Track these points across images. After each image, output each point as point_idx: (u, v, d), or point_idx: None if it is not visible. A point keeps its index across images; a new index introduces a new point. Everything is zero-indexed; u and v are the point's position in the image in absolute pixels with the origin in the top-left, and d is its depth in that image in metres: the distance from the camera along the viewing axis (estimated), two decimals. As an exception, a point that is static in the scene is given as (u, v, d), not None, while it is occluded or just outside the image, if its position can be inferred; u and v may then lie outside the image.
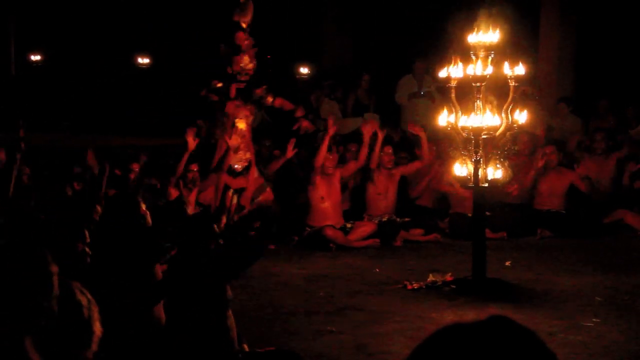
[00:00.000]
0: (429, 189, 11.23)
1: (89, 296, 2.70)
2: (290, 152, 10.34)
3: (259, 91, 9.73)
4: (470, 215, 10.14)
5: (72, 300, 2.67)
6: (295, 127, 9.96)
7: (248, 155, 9.72)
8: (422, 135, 10.68)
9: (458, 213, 10.68)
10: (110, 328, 2.80)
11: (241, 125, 9.64)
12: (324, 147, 10.27)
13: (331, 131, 10.25)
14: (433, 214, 11.02)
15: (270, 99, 9.89)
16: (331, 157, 10.47)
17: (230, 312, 5.20)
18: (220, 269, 5.07)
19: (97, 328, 2.66)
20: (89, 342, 2.65)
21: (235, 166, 9.49)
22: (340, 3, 16.51)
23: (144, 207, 5.18)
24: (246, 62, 9.62)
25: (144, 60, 18.80)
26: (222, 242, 5.34)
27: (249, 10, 9.50)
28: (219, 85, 9.69)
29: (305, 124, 9.93)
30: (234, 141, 9.60)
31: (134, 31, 18.27)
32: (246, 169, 9.65)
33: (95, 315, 2.67)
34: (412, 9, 16.71)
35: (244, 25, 9.46)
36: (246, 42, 9.57)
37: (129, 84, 17.77)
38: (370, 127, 10.67)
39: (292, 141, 10.29)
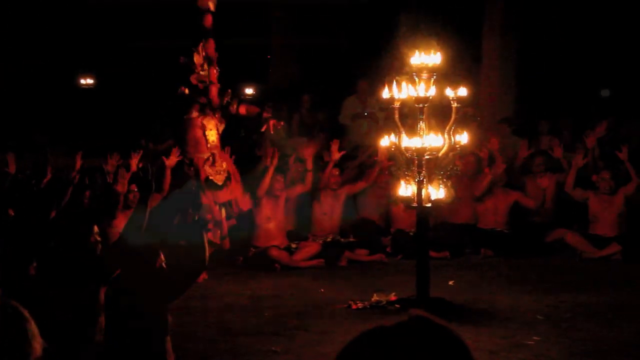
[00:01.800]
0: (375, 204, 11.28)
1: (27, 314, 2.69)
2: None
3: (226, 98, 9.68)
4: (412, 232, 10.29)
5: (11, 318, 2.66)
6: (263, 129, 9.92)
7: (225, 165, 9.64)
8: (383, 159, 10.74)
9: (400, 230, 10.80)
10: (52, 348, 2.79)
11: (212, 136, 9.58)
12: (268, 179, 10.28)
13: (274, 162, 10.26)
14: (378, 232, 11.07)
15: (235, 106, 9.83)
16: (279, 179, 10.49)
17: (169, 337, 5.19)
18: (161, 292, 5.05)
19: (38, 342, 2.65)
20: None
21: (216, 177, 9.44)
22: (287, 23, 16.60)
23: (96, 235, 5.15)
24: (212, 70, 9.57)
25: (87, 81, 18.66)
26: (164, 265, 5.33)
27: None
28: (187, 92, 9.62)
29: (273, 122, 9.87)
30: (206, 153, 9.56)
31: (77, 52, 18.15)
32: (228, 179, 9.58)
33: (36, 331, 2.66)
34: (357, 29, 16.86)
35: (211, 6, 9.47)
36: (209, 50, 9.55)
37: (72, 105, 17.63)
38: (310, 150, 10.74)
39: (228, 149, 10.25)
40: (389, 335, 1.88)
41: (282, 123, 10.12)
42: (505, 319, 7.84)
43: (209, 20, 9.46)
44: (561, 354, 6.81)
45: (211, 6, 9.48)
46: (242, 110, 9.96)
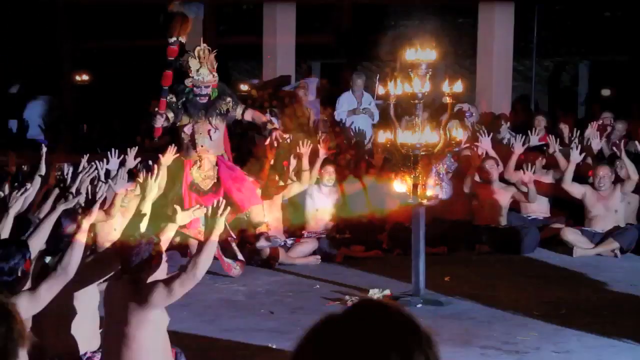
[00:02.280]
0: (376, 201, 11.27)
1: (13, 309, 2.69)
2: None
3: (224, 104, 9.54)
4: (408, 225, 10.25)
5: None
6: (268, 142, 9.69)
7: (214, 170, 9.52)
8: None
9: (398, 224, 10.74)
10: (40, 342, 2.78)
11: (202, 141, 9.46)
12: (264, 176, 10.26)
13: (270, 158, 10.22)
14: (374, 229, 11.04)
15: (239, 112, 9.64)
16: (275, 177, 10.47)
17: (166, 334, 5.18)
18: (157, 294, 5.05)
19: (25, 337, 2.65)
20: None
21: (202, 182, 9.34)
22: (282, 22, 16.57)
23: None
24: (205, 74, 9.43)
25: (82, 77, 18.63)
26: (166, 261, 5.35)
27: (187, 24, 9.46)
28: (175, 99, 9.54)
29: (277, 133, 9.61)
30: (194, 157, 9.46)
31: (72, 50, 18.15)
32: (216, 184, 9.45)
33: (23, 326, 2.66)
34: (353, 26, 16.86)
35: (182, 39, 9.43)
36: (201, 53, 9.45)
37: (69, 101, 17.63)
38: (307, 148, 10.69)
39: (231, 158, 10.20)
40: (337, 323, 1.91)
41: (287, 135, 9.96)
42: (501, 314, 7.83)
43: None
44: (558, 350, 6.81)
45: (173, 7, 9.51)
46: (248, 117, 9.75)
